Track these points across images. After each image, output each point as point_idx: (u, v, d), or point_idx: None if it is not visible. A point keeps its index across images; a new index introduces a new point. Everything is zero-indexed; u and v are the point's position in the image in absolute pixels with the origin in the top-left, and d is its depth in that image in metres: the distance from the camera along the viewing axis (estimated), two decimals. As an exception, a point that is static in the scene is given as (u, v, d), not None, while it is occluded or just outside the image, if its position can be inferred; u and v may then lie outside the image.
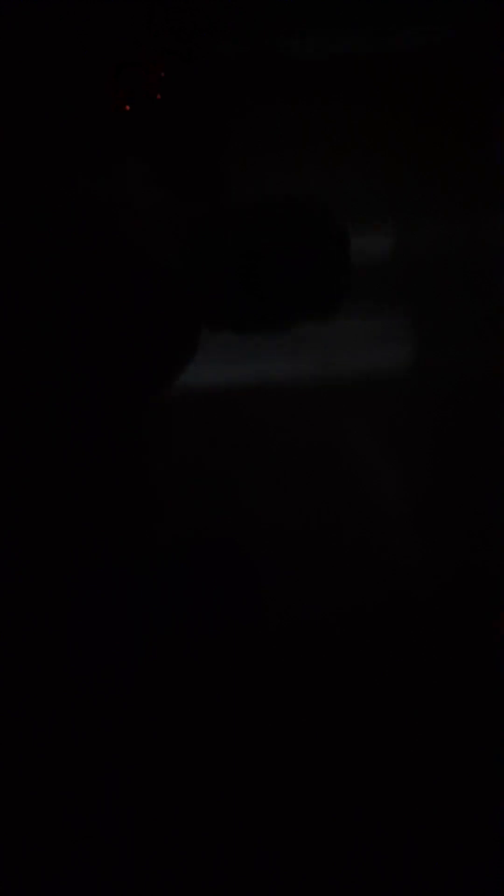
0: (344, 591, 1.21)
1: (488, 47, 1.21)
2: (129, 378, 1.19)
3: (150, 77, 1.15)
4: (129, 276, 1.17)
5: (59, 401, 1.20)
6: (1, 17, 1.20)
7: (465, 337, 1.22)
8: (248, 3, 1.22)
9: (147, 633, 1.20)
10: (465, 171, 1.22)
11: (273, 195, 1.20)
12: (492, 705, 1.20)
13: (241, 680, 1.20)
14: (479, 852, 1.18)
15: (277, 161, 1.22)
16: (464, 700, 1.20)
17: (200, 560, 1.21)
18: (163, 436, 1.21)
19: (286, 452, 1.21)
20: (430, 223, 1.22)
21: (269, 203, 1.20)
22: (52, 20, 1.20)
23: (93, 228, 1.19)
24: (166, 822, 1.18)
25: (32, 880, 1.17)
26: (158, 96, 1.15)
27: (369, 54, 1.23)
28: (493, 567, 1.21)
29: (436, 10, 1.22)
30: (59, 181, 1.21)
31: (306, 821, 1.19)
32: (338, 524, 1.21)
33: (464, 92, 1.22)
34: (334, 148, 1.22)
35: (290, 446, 1.21)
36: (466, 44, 1.22)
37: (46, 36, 1.21)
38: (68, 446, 1.20)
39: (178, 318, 1.20)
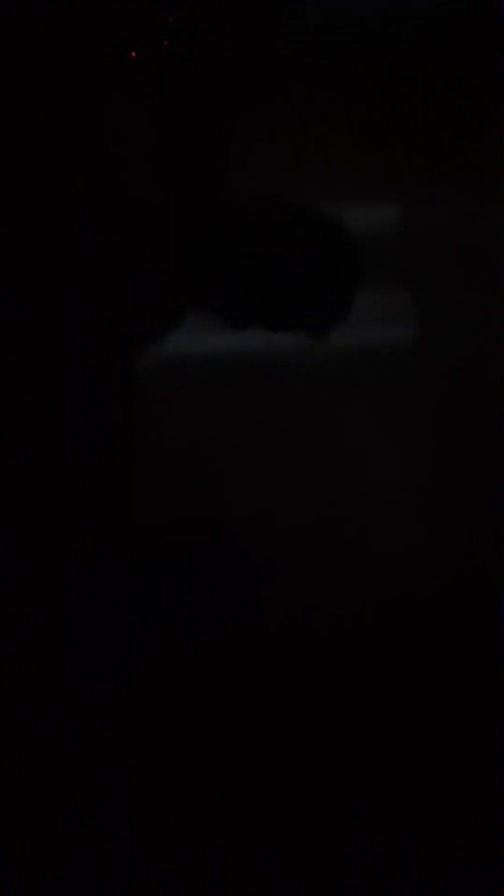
0: (340, 577, 1.21)
1: (487, 39, 1.22)
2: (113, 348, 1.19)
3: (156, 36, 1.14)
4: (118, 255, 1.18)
5: (53, 394, 1.20)
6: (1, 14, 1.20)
7: (465, 318, 1.22)
8: (249, 3, 1.22)
9: (144, 631, 1.20)
10: (466, 152, 1.22)
11: (274, 195, 1.20)
12: (492, 705, 1.20)
13: (240, 677, 1.20)
14: (480, 852, 1.18)
15: (278, 159, 1.22)
16: (464, 699, 1.20)
17: (197, 557, 1.21)
18: (155, 419, 1.20)
19: (283, 436, 1.21)
20: (432, 204, 1.22)
21: (269, 203, 1.20)
22: (50, 14, 1.20)
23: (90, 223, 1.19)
24: (166, 820, 1.18)
25: (32, 880, 1.17)
26: (165, 43, 1.15)
27: (368, 50, 1.23)
28: (492, 559, 1.21)
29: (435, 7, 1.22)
30: (58, 180, 1.21)
31: (306, 820, 1.19)
32: (335, 511, 1.21)
33: (462, 78, 1.22)
34: (335, 141, 1.23)
35: (287, 430, 1.21)
36: (464, 35, 1.22)
37: (45, 32, 1.21)
38: (61, 438, 1.20)
39: (161, 289, 1.20)
